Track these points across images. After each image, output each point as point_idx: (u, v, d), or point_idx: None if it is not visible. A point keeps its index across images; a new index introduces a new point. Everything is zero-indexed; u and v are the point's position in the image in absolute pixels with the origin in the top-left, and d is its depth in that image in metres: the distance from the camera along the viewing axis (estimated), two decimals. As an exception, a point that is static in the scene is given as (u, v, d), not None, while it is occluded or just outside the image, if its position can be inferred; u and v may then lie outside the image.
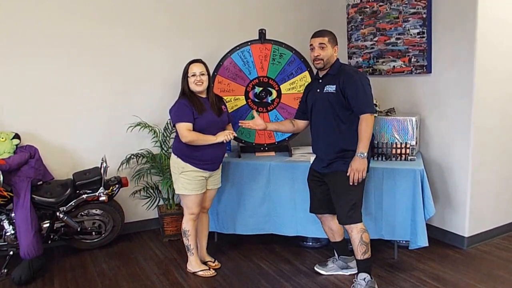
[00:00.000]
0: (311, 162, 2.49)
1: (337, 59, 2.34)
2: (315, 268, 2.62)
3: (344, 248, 2.56)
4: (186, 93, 2.48)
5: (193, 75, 2.45)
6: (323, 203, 2.42)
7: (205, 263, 2.69)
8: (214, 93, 2.62)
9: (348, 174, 2.21)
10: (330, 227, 2.49)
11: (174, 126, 2.46)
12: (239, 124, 2.59)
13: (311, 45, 2.31)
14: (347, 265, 2.55)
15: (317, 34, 2.32)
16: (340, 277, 2.53)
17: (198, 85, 2.45)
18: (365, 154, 2.19)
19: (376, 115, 2.92)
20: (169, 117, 2.53)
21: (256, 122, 2.53)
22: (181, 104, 2.44)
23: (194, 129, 2.41)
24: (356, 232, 2.24)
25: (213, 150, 2.47)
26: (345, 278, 2.51)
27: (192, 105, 2.42)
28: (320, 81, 2.35)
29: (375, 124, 2.88)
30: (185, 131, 2.39)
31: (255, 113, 2.59)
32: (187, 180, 2.46)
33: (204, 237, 2.73)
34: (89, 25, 3.04)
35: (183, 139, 2.40)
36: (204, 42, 3.38)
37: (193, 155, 2.44)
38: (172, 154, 2.53)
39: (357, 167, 2.18)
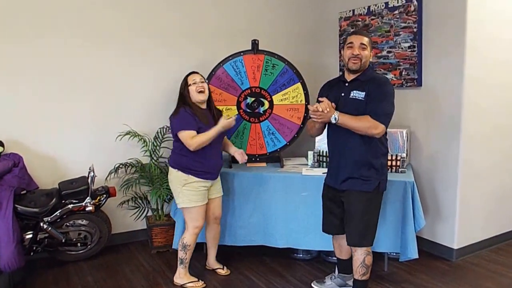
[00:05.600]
0: (324, 176, 2.34)
1: (370, 66, 2.17)
2: (313, 285, 2.54)
3: (347, 267, 2.41)
4: (188, 104, 2.46)
5: (194, 83, 2.45)
6: (340, 223, 2.25)
7: (214, 270, 2.75)
8: (215, 106, 2.63)
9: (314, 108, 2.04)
10: (340, 244, 2.38)
11: (175, 135, 2.43)
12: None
13: (350, 42, 2.09)
14: (345, 283, 2.47)
15: (359, 32, 2.14)
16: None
17: (200, 93, 2.44)
18: (338, 120, 2.02)
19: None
20: (168, 125, 2.53)
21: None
22: (184, 113, 2.41)
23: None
24: (361, 253, 2.17)
25: (215, 160, 2.50)
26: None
27: (195, 115, 2.41)
28: (347, 84, 2.15)
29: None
30: (190, 139, 2.36)
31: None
32: (192, 192, 2.44)
33: (214, 248, 2.76)
34: (77, 36, 2.99)
35: (190, 147, 2.36)
36: (196, 51, 3.36)
37: (195, 166, 2.43)
38: (171, 168, 2.50)
39: (324, 115, 2.03)
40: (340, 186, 2.19)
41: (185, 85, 2.48)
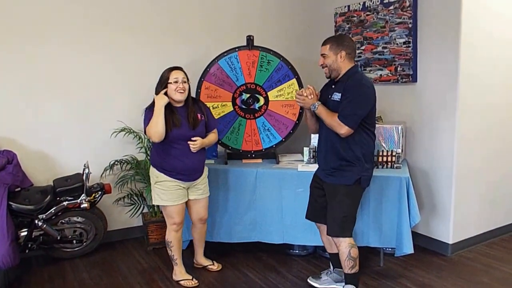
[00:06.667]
0: (314, 170, 2.42)
1: (353, 67, 2.20)
2: (309, 281, 2.55)
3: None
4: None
5: (175, 82, 2.33)
6: (322, 213, 2.34)
7: (204, 267, 2.73)
8: (194, 99, 2.51)
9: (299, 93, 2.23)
10: (328, 237, 2.40)
11: (145, 133, 2.38)
12: None
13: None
14: (342, 278, 2.45)
15: (322, 43, 2.25)
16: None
17: (180, 93, 2.33)
18: (316, 109, 2.19)
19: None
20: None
21: None
22: (149, 113, 2.33)
23: (165, 140, 2.32)
24: (345, 246, 2.21)
25: (188, 161, 2.38)
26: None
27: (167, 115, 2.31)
28: (333, 86, 2.27)
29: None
30: (148, 131, 2.32)
31: None
32: (161, 190, 2.40)
33: (200, 246, 2.74)
34: (72, 25, 2.97)
35: (151, 139, 2.32)
36: (191, 48, 3.35)
37: (165, 164, 2.38)
38: (151, 164, 2.48)
39: (306, 101, 2.21)
40: (324, 178, 2.30)
41: (164, 82, 2.35)
